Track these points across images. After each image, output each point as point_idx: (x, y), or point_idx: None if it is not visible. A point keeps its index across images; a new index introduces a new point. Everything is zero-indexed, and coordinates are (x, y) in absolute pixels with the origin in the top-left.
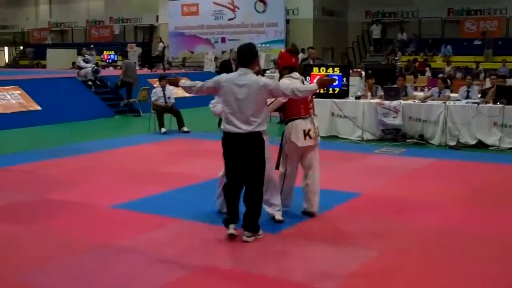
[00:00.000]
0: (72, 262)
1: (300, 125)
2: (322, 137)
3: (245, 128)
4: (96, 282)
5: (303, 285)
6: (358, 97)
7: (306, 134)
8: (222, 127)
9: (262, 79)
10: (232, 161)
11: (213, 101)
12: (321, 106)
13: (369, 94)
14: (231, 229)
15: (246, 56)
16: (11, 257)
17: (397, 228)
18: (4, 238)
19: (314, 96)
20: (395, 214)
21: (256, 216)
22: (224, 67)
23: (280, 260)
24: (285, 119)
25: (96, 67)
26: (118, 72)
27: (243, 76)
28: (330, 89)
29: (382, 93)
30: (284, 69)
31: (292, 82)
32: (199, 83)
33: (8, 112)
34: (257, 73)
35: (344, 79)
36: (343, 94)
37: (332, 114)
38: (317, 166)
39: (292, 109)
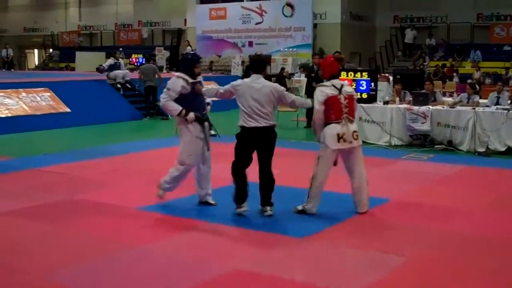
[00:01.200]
0: (99, 263)
1: (333, 129)
2: None
3: (263, 122)
4: (122, 284)
5: None
6: (386, 102)
7: (340, 137)
8: (241, 123)
9: (273, 84)
10: (249, 149)
11: (163, 95)
12: None
13: (397, 99)
14: (245, 206)
15: (260, 64)
16: (41, 256)
17: (425, 235)
18: (35, 238)
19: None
20: (423, 220)
21: (272, 192)
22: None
23: (307, 265)
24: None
25: (100, 66)
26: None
27: (257, 80)
28: (358, 94)
29: (411, 98)
30: (328, 76)
31: (320, 91)
32: (214, 89)
33: (38, 113)
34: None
35: (372, 84)
36: (371, 99)
37: (360, 119)
38: (361, 168)
39: (326, 114)
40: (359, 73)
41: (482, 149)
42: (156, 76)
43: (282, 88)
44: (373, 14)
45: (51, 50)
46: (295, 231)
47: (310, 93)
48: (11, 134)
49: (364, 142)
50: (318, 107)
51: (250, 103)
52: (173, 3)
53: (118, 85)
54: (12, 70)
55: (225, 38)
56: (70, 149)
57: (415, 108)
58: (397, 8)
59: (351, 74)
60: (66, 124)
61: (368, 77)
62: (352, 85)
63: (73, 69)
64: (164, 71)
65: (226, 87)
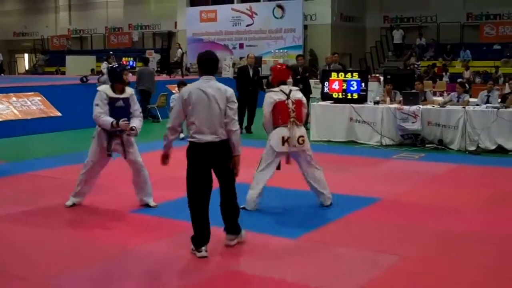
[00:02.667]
0: (96, 267)
1: (279, 132)
2: (340, 142)
3: (221, 135)
4: (117, 287)
5: None
6: (376, 102)
7: (285, 141)
8: (192, 138)
9: (229, 89)
10: (205, 170)
11: (95, 112)
12: (339, 111)
13: (387, 99)
14: (204, 251)
15: (212, 63)
16: (38, 262)
17: (417, 234)
18: (31, 243)
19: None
20: (415, 219)
21: (237, 217)
22: (241, 72)
23: (299, 265)
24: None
25: (83, 77)
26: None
27: (210, 83)
28: (349, 94)
29: (401, 98)
30: (277, 82)
31: (269, 97)
32: (169, 135)
33: (29, 118)
34: None
35: (363, 84)
36: (362, 99)
37: (351, 119)
38: (312, 170)
39: (274, 118)
40: (349, 74)
41: (472, 148)
42: (153, 79)
43: (232, 92)
44: (363, 15)
45: (41, 54)
46: (287, 231)
47: None
48: (2, 138)
49: (355, 142)
50: (267, 112)
51: (202, 113)
52: (163, 6)
53: None
54: (2, 74)
55: (216, 41)
56: (62, 153)
57: (406, 107)
58: (387, 8)
59: (341, 75)
60: (57, 128)
61: (359, 77)
62: (343, 86)
63: (63, 73)
64: (155, 74)
65: (175, 108)
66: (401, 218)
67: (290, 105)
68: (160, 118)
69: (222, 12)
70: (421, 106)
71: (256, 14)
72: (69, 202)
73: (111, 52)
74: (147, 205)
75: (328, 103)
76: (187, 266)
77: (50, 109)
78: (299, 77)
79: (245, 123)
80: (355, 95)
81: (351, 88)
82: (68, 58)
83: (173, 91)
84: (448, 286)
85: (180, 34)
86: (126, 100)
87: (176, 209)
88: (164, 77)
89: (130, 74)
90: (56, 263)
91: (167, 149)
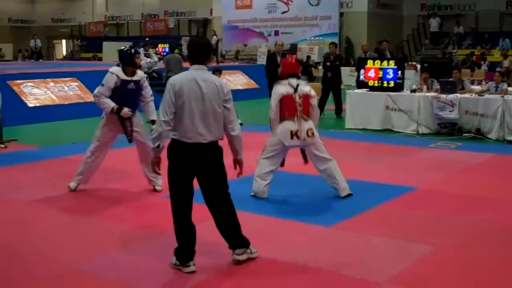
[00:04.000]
0: (126, 251)
1: (287, 126)
2: (376, 130)
3: (206, 137)
4: (151, 272)
5: (356, 279)
6: (413, 91)
7: (294, 134)
8: (176, 136)
9: (221, 80)
10: (189, 176)
11: (96, 91)
12: (375, 99)
13: (424, 87)
14: (192, 266)
15: (204, 50)
16: (68, 245)
17: (453, 224)
18: (62, 226)
19: (310, 101)
20: (451, 209)
21: (239, 227)
22: (270, 60)
23: (333, 253)
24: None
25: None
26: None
27: (203, 75)
28: (385, 82)
29: (438, 86)
30: (286, 74)
31: (276, 91)
32: (164, 129)
33: (66, 103)
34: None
35: (399, 72)
36: (398, 87)
37: (387, 107)
38: (324, 161)
39: (280, 112)
40: (386, 62)
41: (511, 137)
42: (181, 66)
43: (229, 89)
44: (400, 2)
45: (78, 40)
46: (321, 219)
47: (324, 81)
48: (39, 123)
49: (390, 130)
50: (274, 105)
51: (195, 106)
52: None
53: (145, 75)
54: (41, 60)
55: (251, 28)
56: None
57: (443, 96)
58: None
59: (377, 63)
60: (93, 113)
61: (395, 65)
62: (379, 74)
63: (100, 59)
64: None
65: (165, 99)
66: (436, 207)
67: (297, 99)
68: None
69: None
70: (458, 94)
71: (292, 1)
72: (73, 184)
73: (147, 39)
74: (155, 190)
75: (363, 91)
76: (217, 252)
77: (86, 95)
78: (329, 64)
79: None
80: (392, 83)
81: (387, 76)
82: (105, 44)
83: None
84: (482, 277)
85: (215, 21)
86: (137, 83)
87: None
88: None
89: (142, 57)
90: (86, 247)
91: (161, 150)
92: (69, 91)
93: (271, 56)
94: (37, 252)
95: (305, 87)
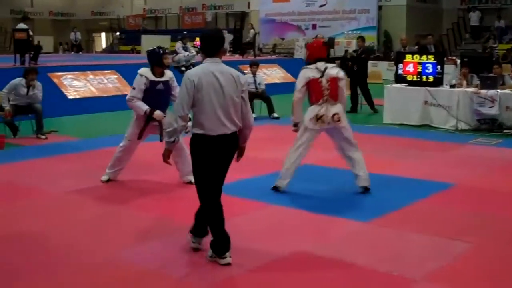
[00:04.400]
0: (162, 242)
1: (313, 110)
2: (414, 125)
3: (229, 128)
4: (186, 262)
5: (392, 275)
6: (453, 86)
7: (318, 118)
8: (199, 130)
9: (240, 74)
10: (218, 168)
11: (129, 95)
12: (414, 94)
13: (464, 82)
14: (228, 258)
15: (217, 42)
16: (106, 236)
17: (491, 221)
18: (99, 217)
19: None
20: (490, 206)
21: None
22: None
23: (370, 248)
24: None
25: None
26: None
27: (219, 66)
28: (424, 77)
29: (478, 81)
30: (314, 58)
31: (302, 74)
32: (179, 124)
33: (105, 95)
34: None
35: (439, 67)
36: (437, 82)
37: (426, 102)
38: (350, 147)
39: (308, 96)
40: (425, 56)
41: None
42: None
43: (246, 81)
44: None
45: (117, 33)
46: (358, 215)
47: (350, 74)
48: (79, 115)
49: (429, 126)
50: (298, 88)
51: (219, 99)
52: None
53: (183, 68)
54: (80, 53)
55: (289, 21)
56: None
57: (483, 91)
58: None
59: (416, 57)
60: None
61: (435, 60)
62: (418, 68)
63: (139, 52)
64: (228, 54)
65: (182, 93)
66: (475, 204)
67: (324, 83)
68: None
69: None
70: (499, 90)
71: None
72: (104, 177)
73: (185, 32)
74: (190, 183)
75: (402, 85)
76: (253, 247)
77: (125, 87)
78: (355, 54)
79: None
80: (431, 78)
81: (426, 71)
82: (143, 38)
83: (245, 71)
84: None
85: (253, 14)
86: (166, 83)
87: (244, 189)
88: (236, 57)
89: (170, 57)
90: (123, 237)
91: (175, 144)
92: (108, 83)
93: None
94: (76, 241)
95: (333, 70)
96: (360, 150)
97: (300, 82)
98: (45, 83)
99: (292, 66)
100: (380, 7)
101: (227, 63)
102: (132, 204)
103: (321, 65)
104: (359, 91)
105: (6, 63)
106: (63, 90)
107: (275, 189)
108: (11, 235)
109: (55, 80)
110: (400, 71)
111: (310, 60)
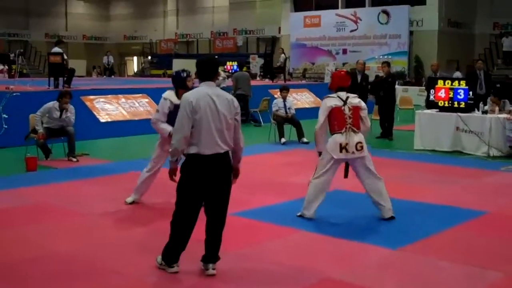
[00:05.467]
0: (188, 268)
1: (336, 139)
2: (445, 151)
3: (225, 146)
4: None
5: None
6: (485, 112)
7: (343, 147)
8: (192, 150)
9: (233, 98)
10: (201, 189)
11: (153, 117)
12: (445, 120)
13: (496, 108)
14: (176, 267)
15: (212, 67)
16: (134, 257)
17: None
18: (128, 239)
19: (361, 113)
20: None
21: (220, 245)
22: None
23: (399, 276)
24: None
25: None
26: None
27: (214, 90)
28: (456, 102)
29: (511, 108)
30: (335, 88)
31: (325, 103)
32: (175, 146)
33: (136, 119)
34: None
35: (471, 92)
36: (469, 108)
37: (457, 128)
38: (371, 177)
39: (330, 125)
40: (456, 82)
41: None
42: (249, 84)
43: (238, 104)
44: (472, 21)
45: (149, 57)
46: (388, 241)
47: (377, 101)
48: (110, 138)
49: (460, 152)
50: (322, 118)
51: (214, 120)
52: (268, 11)
53: None
54: (113, 76)
55: (319, 46)
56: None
57: None
58: (497, 14)
59: (448, 83)
60: None
61: (466, 85)
62: (450, 94)
63: (170, 76)
64: (258, 78)
65: (181, 116)
66: (508, 233)
67: (347, 111)
68: (262, 122)
69: (326, 17)
70: None
71: (361, 20)
72: (129, 199)
73: (216, 57)
74: None
75: (433, 111)
76: (282, 273)
77: None
78: (380, 78)
79: None
80: (462, 104)
81: (458, 97)
82: (175, 62)
83: (275, 96)
84: None
85: (283, 39)
86: None
87: (274, 214)
88: (267, 81)
89: (194, 79)
90: (152, 260)
91: (178, 162)
92: (139, 107)
93: (351, 74)
94: (104, 263)
95: (355, 99)
96: (382, 179)
97: (323, 113)
98: (78, 106)
99: (322, 91)
100: (411, 32)
101: (258, 87)
102: (159, 226)
103: (342, 94)
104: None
105: (40, 86)
106: (95, 113)
107: (301, 216)
108: (41, 256)
109: (88, 103)
110: (431, 97)
111: (333, 89)
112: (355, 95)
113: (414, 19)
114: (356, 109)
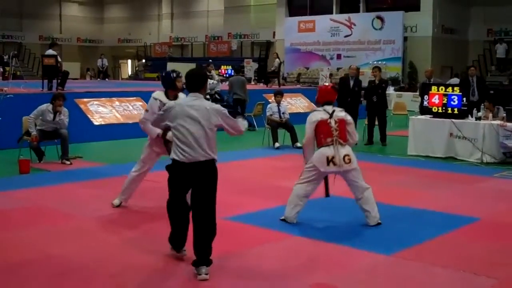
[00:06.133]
0: (179, 272)
1: (324, 152)
2: (439, 158)
3: (201, 156)
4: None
5: None
6: (478, 118)
7: (330, 160)
8: (172, 155)
9: (214, 106)
10: (182, 189)
11: (142, 117)
12: (439, 126)
13: (490, 115)
14: (184, 252)
15: (199, 80)
16: (132, 262)
17: None
18: (125, 243)
19: (347, 125)
20: None
21: (210, 246)
22: (342, 83)
23: (394, 282)
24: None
25: (183, 83)
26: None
27: (195, 101)
28: (449, 108)
29: (505, 114)
30: (322, 102)
31: (311, 116)
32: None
33: (130, 122)
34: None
35: (464, 99)
36: (463, 114)
37: (451, 134)
38: (360, 189)
39: (317, 138)
40: (450, 88)
41: None
42: (245, 88)
43: (224, 110)
44: (466, 27)
45: (143, 60)
46: (381, 247)
47: (369, 106)
48: (104, 141)
49: (454, 158)
50: (309, 131)
51: (185, 128)
52: (263, 15)
53: (207, 96)
54: (107, 79)
55: (313, 51)
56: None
57: (509, 124)
58: (490, 21)
59: (442, 89)
60: None
61: (460, 92)
62: (443, 100)
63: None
64: (252, 82)
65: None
66: (501, 239)
67: (333, 124)
68: (256, 126)
69: (321, 22)
70: None
71: (355, 25)
72: (116, 201)
73: (210, 60)
74: None
75: (427, 117)
76: (273, 278)
77: None
78: (374, 84)
79: None
80: (456, 110)
81: (452, 103)
82: (169, 65)
83: (270, 100)
84: None
85: (278, 44)
86: None
87: (267, 219)
88: (261, 86)
89: (183, 80)
90: (152, 265)
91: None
92: (133, 110)
93: (343, 79)
94: (99, 265)
95: (341, 113)
96: (370, 188)
97: (309, 126)
98: (72, 109)
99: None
100: (405, 38)
101: (252, 91)
102: (152, 228)
103: (328, 108)
104: (376, 122)
105: (34, 88)
106: (89, 116)
107: (284, 220)
108: (35, 258)
109: (82, 106)
110: (425, 103)
111: (319, 102)
112: (342, 109)
113: (408, 25)
114: (342, 121)
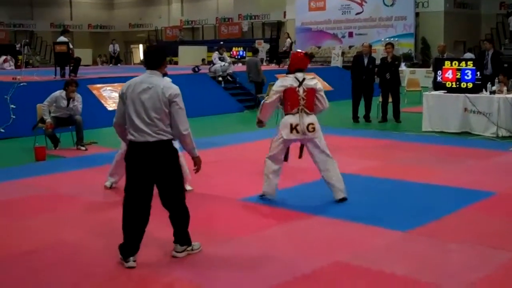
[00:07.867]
0: (203, 254)
1: (288, 119)
2: (453, 133)
3: (153, 136)
4: (215, 276)
5: (433, 286)
6: (493, 92)
7: (293, 128)
8: (129, 136)
9: (167, 85)
10: (141, 174)
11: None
12: (453, 101)
13: (504, 88)
14: (132, 262)
15: (156, 57)
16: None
17: None
18: None
19: (316, 95)
20: None
21: (186, 227)
22: (356, 61)
23: (409, 259)
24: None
25: (195, 66)
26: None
27: (149, 79)
28: (463, 83)
29: None
30: (293, 69)
31: (280, 82)
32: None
33: None
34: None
35: (478, 73)
36: (477, 88)
37: (465, 109)
38: (323, 158)
39: (284, 105)
40: (463, 62)
41: None
42: (258, 69)
43: (176, 93)
44: (478, 1)
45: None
46: (397, 224)
47: (382, 83)
48: None
49: (469, 133)
50: (272, 92)
51: (138, 108)
52: None
53: (219, 78)
54: (119, 64)
55: (325, 29)
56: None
57: None
58: None
59: (455, 63)
60: None
61: (474, 66)
62: (457, 75)
63: (176, 63)
64: (264, 63)
65: (118, 104)
66: None
67: (301, 93)
68: None
69: (331, 0)
70: None
71: (366, 2)
72: (108, 183)
73: (221, 43)
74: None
75: (440, 92)
76: (292, 257)
77: None
78: (386, 61)
79: (361, 113)
80: (470, 85)
81: (466, 77)
82: (181, 49)
83: None
84: None
85: (289, 24)
86: None
87: (285, 199)
88: (273, 66)
89: (217, 60)
90: (165, 246)
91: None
92: None
93: (357, 57)
94: (115, 252)
95: (311, 81)
96: (334, 161)
97: (275, 88)
98: (85, 95)
99: (329, 74)
100: (417, 14)
101: (264, 72)
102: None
103: (300, 75)
104: (390, 99)
105: (46, 75)
106: (103, 102)
107: (263, 195)
108: (53, 243)
109: (95, 92)
110: (439, 78)
111: (291, 70)
112: (312, 77)
113: (420, 0)
114: (311, 91)
